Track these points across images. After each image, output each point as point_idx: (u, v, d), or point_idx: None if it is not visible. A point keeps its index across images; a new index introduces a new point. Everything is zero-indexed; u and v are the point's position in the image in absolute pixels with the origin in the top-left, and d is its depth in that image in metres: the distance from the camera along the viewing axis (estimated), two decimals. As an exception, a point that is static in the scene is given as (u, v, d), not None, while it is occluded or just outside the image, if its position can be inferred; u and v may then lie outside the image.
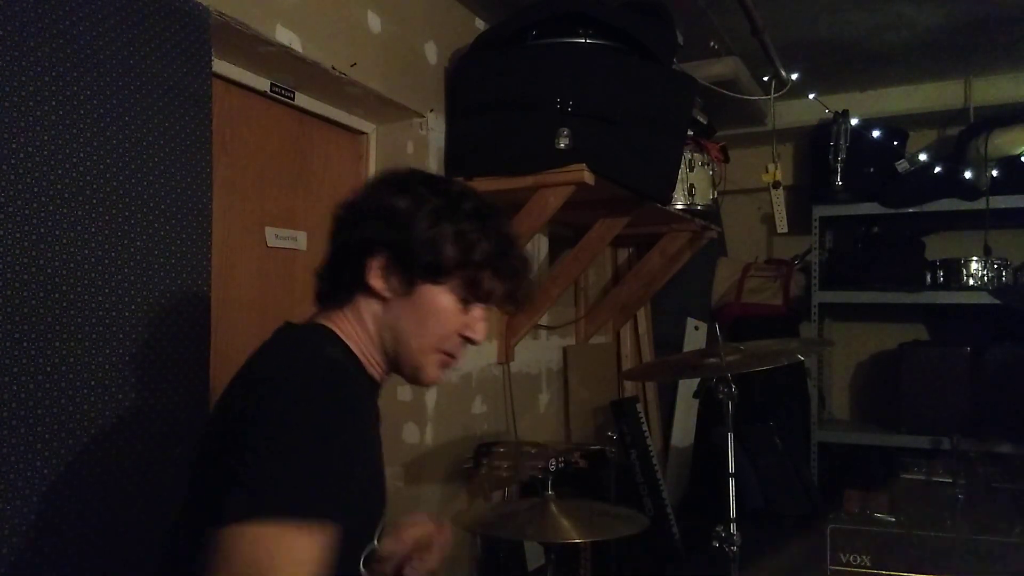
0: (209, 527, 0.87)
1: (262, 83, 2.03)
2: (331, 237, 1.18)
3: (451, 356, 1.16)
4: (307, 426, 0.91)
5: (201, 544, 0.93)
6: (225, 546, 0.83)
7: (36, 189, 1.31)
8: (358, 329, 1.14)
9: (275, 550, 0.82)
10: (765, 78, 2.93)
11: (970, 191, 3.28)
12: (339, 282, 1.15)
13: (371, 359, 1.16)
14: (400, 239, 1.09)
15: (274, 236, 2.10)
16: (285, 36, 1.86)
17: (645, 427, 3.11)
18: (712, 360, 2.11)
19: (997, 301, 3.21)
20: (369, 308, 1.14)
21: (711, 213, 3.02)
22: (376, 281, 1.12)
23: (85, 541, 1.36)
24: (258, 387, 0.99)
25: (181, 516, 1.09)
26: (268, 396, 0.96)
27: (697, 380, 2.17)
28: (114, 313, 1.42)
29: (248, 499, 0.85)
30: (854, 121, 3.38)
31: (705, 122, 2.87)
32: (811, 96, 3.32)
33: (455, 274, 1.11)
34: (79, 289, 1.37)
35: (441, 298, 1.12)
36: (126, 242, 1.45)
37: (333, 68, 2.01)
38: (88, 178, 1.39)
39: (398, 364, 1.16)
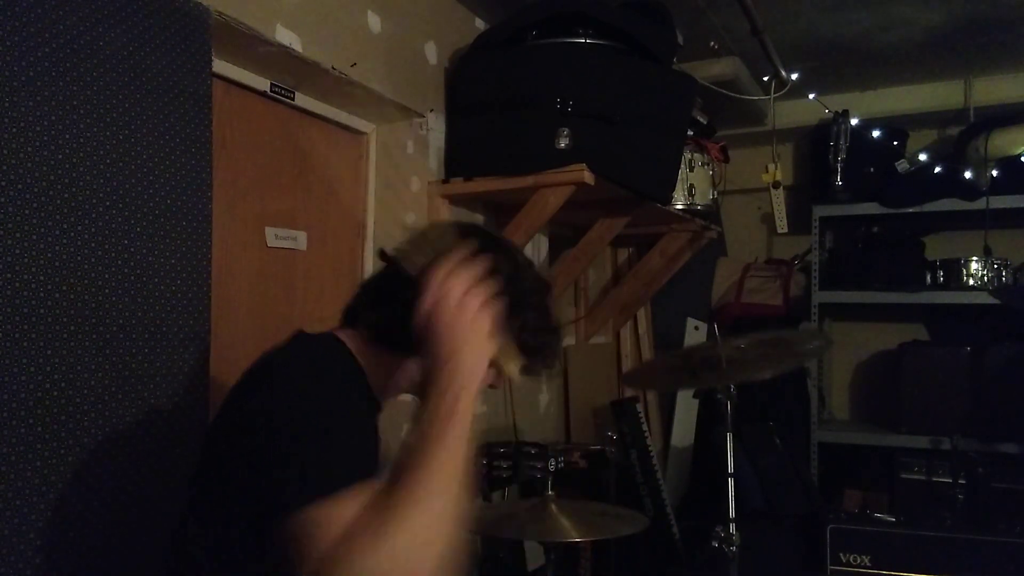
0: (237, 520, 0.99)
1: (262, 83, 2.03)
2: (395, 290, 1.15)
3: None
4: (320, 407, 1.02)
5: (212, 540, 1.03)
6: (297, 532, 0.92)
7: (36, 189, 1.31)
8: (387, 374, 1.20)
9: (337, 520, 0.92)
10: (765, 78, 2.93)
11: (970, 191, 3.28)
12: (405, 339, 1.14)
13: (378, 389, 1.20)
14: None
15: (274, 236, 2.10)
16: (285, 36, 1.86)
17: (645, 427, 3.11)
18: (712, 360, 2.11)
19: (997, 301, 3.21)
20: (416, 362, 1.19)
21: (711, 213, 3.02)
22: None
23: (85, 540, 1.36)
24: (266, 383, 1.06)
25: (189, 509, 1.09)
26: (279, 390, 1.04)
27: (697, 380, 2.17)
28: (114, 313, 1.42)
29: (301, 488, 0.94)
30: (854, 121, 3.38)
31: (705, 122, 2.86)
32: (811, 96, 3.32)
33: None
34: (79, 289, 1.37)
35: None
36: (126, 242, 1.45)
37: (333, 68, 2.01)
38: (88, 178, 1.39)
39: None
